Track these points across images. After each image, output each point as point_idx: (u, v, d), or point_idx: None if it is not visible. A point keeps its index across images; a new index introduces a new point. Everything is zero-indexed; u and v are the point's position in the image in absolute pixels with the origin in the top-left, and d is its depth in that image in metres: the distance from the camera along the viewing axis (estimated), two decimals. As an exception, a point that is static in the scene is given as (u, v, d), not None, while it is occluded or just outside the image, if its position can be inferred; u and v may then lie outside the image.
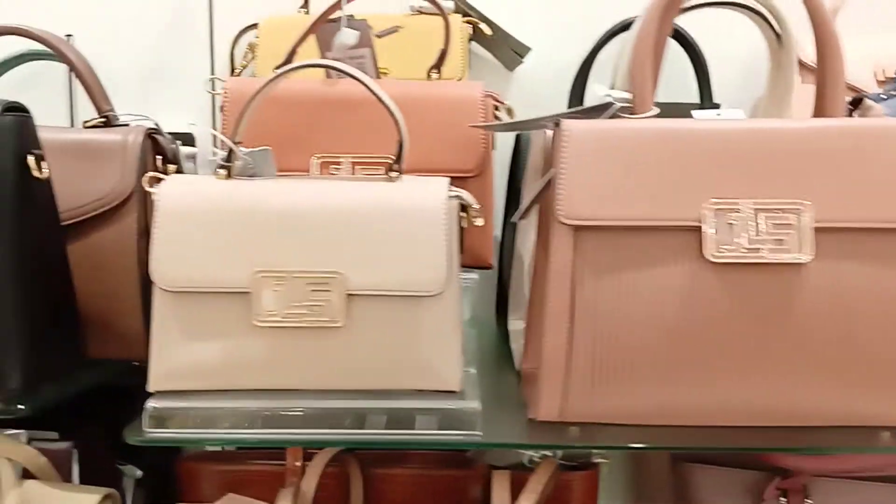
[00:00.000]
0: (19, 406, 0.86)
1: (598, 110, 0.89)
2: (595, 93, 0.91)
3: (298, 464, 1.10)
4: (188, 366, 0.88)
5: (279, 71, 0.88)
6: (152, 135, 1.08)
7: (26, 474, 0.99)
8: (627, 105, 0.89)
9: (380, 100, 0.89)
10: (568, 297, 0.85)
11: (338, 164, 1.03)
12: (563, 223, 0.85)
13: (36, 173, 0.89)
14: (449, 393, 0.89)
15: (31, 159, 0.88)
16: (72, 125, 1.39)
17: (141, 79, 1.38)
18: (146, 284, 1.04)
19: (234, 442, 0.87)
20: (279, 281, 0.86)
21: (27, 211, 0.90)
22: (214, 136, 1.24)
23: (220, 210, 0.87)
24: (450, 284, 0.87)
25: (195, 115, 1.33)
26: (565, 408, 0.87)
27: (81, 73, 1.09)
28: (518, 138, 1.23)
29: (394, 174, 0.89)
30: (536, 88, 1.38)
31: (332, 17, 1.12)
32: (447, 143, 0.99)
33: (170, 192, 0.88)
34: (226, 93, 1.05)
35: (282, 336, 0.87)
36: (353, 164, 1.03)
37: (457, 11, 1.28)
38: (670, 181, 0.85)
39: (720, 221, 0.84)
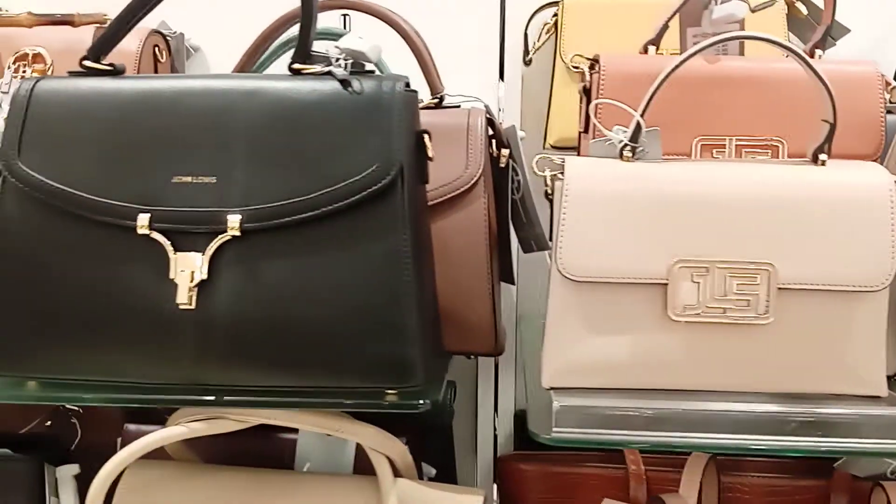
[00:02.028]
0: (420, 402, 0.81)
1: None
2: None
3: (639, 469, 1.03)
4: (591, 362, 0.82)
5: (698, 47, 0.81)
6: (489, 117, 1.02)
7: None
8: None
9: (819, 78, 0.80)
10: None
11: (721, 146, 0.96)
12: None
13: (430, 153, 0.84)
14: (872, 399, 0.81)
15: (426, 138, 0.83)
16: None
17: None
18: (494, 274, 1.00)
19: (646, 444, 0.80)
20: (700, 272, 0.79)
21: (422, 195, 0.85)
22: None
23: (634, 195, 0.81)
24: (890, 279, 0.79)
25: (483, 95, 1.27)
26: None
27: (421, 53, 1.04)
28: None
29: (822, 157, 0.81)
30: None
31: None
32: (843, 124, 0.90)
33: (578, 176, 0.82)
34: (604, 70, 0.98)
35: (700, 332, 0.80)
36: (739, 146, 0.95)
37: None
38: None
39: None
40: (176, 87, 0.84)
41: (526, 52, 1.27)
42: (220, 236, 0.79)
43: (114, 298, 0.81)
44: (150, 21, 1.34)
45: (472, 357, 1.12)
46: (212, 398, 0.83)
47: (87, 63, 0.87)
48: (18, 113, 0.84)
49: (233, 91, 0.83)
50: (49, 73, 1.17)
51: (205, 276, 0.79)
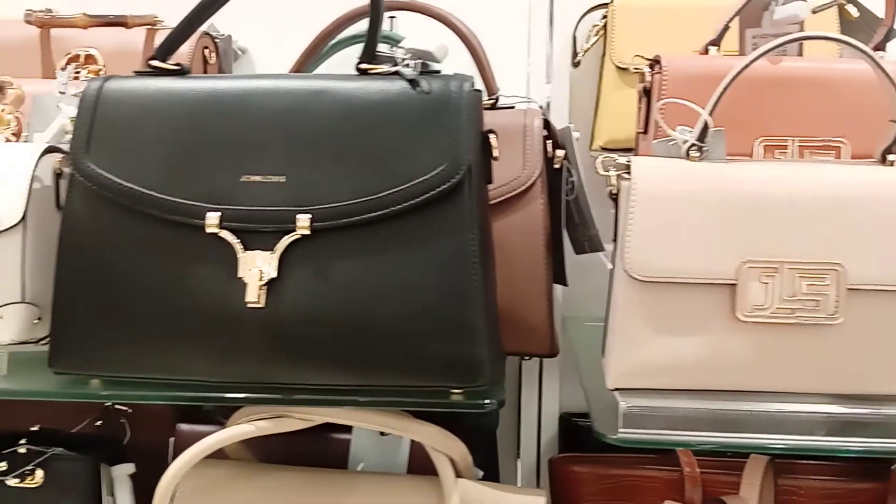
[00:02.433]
0: (486, 402, 0.81)
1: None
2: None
3: (694, 471, 1.02)
4: (657, 363, 0.82)
5: (767, 46, 0.81)
6: (545, 117, 1.03)
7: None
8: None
9: (889, 79, 0.80)
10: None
11: (784, 147, 0.96)
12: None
13: (495, 153, 0.84)
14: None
15: (492, 138, 0.83)
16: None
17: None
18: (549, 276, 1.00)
19: (714, 446, 0.80)
20: (769, 272, 0.79)
21: (487, 195, 0.85)
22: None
23: (702, 195, 0.80)
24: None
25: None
26: None
27: (478, 54, 1.04)
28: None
29: (891, 158, 0.81)
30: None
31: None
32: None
33: (645, 176, 0.82)
34: (665, 70, 0.98)
35: (768, 333, 0.79)
36: (801, 146, 0.95)
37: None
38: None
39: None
40: (244, 87, 0.85)
41: (574, 53, 1.27)
42: (289, 235, 0.80)
43: (182, 297, 0.81)
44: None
45: (527, 358, 1.12)
46: (278, 396, 0.83)
47: (155, 63, 0.87)
48: (87, 112, 0.85)
49: (301, 91, 0.84)
50: (103, 73, 1.17)
51: (274, 275, 0.79)
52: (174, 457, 1.07)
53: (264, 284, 0.79)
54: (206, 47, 1.28)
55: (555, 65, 1.31)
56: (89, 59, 1.22)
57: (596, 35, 1.25)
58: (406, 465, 1.03)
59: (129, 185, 0.83)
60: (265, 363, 0.81)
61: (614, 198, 0.85)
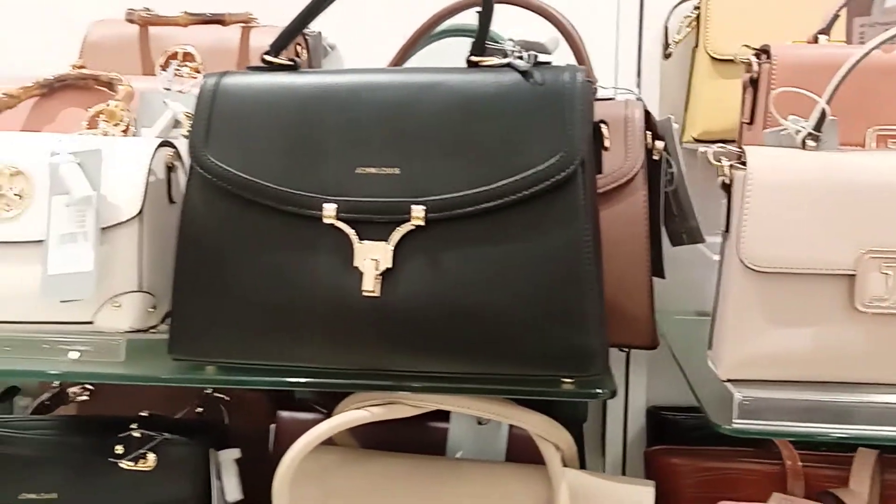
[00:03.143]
0: (599, 391, 0.82)
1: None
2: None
3: (795, 464, 1.02)
4: (772, 354, 0.81)
5: (888, 34, 0.80)
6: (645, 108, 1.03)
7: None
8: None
9: None
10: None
11: (896, 137, 0.95)
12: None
13: (606, 143, 0.84)
14: None
15: (604, 128, 0.84)
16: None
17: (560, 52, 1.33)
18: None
19: (831, 438, 0.80)
20: (890, 263, 0.78)
21: (595, 185, 0.86)
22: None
23: (820, 185, 0.80)
24: None
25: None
26: None
27: (578, 46, 1.05)
28: None
29: None
30: None
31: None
32: None
33: (762, 166, 0.81)
34: (775, 60, 0.98)
35: (888, 324, 0.79)
36: (914, 137, 0.94)
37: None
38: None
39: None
40: (356, 80, 0.86)
41: (666, 45, 1.26)
42: (403, 226, 0.81)
43: (298, 286, 0.83)
44: (288, 19, 1.39)
45: (626, 350, 1.12)
46: (391, 383, 0.85)
47: (268, 58, 0.89)
48: (205, 106, 0.87)
49: (413, 84, 0.85)
50: (202, 70, 1.20)
51: (390, 265, 0.81)
52: (275, 443, 1.11)
53: (380, 274, 0.81)
54: (298, 44, 1.29)
55: (645, 56, 1.30)
56: (187, 56, 1.25)
57: (688, 26, 1.24)
58: (504, 453, 1.04)
59: (247, 176, 0.85)
60: (378, 351, 0.83)
61: (727, 188, 0.85)
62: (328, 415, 1.11)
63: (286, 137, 0.85)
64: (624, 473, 1.38)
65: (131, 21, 1.24)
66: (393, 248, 0.81)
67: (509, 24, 1.16)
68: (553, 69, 0.84)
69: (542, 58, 0.85)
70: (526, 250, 0.80)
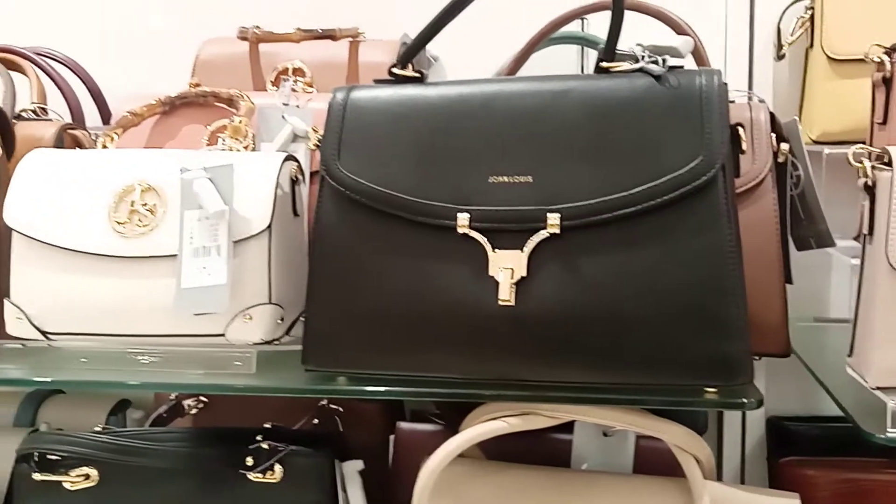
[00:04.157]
0: (745, 400, 0.80)
1: None
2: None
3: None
4: (927, 359, 0.78)
5: None
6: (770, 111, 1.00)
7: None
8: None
9: None
10: None
11: None
12: None
13: (744, 146, 0.82)
14: None
15: (741, 131, 0.82)
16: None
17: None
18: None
19: None
20: None
21: (734, 188, 0.84)
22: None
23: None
24: None
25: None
26: None
27: (699, 50, 1.03)
28: None
29: None
30: None
31: None
32: None
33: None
34: None
35: None
36: None
37: None
38: None
39: None
40: (485, 90, 0.86)
41: (779, 46, 1.24)
42: (538, 234, 0.80)
43: (431, 296, 0.83)
44: (394, 33, 1.40)
45: (758, 358, 1.09)
46: (528, 393, 0.84)
47: (396, 70, 0.90)
48: (336, 119, 0.88)
49: (544, 92, 0.84)
50: (314, 85, 1.21)
51: (524, 274, 0.80)
52: (395, 455, 1.11)
53: (514, 283, 0.80)
54: (405, 56, 1.30)
55: (756, 58, 1.28)
56: (296, 71, 1.27)
57: (801, 27, 1.21)
58: (631, 466, 1.02)
59: (379, 187, 0.85)
60: (514, 360, 0.82)
61: (870, 189, 0.82)
62: (446, 425, 1.11)
63: (418, 148, 0.86)
64: (743, 484, 1.35)
65: (244, 38, 1.26)
66: (527, 256, 0.80)
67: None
68: (687, 73, 0.82)
69: (672, 61, 0.84)
70: (665, 256, 0.79)
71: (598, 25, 1.31)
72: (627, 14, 1.08)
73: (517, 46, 1.25)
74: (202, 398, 1.28)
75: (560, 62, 1.31)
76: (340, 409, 1.22)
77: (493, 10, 1.33)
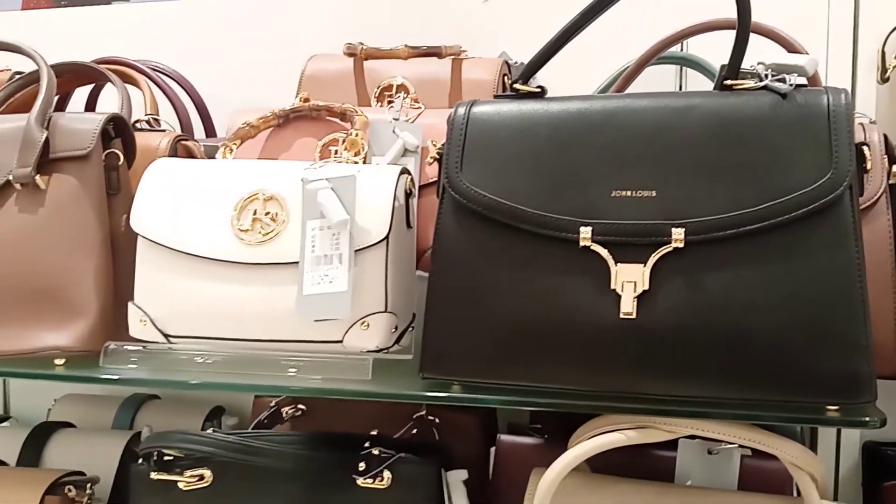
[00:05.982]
0: (868, 419, 0.80)
1: None
2: None
3: None
4: None
5: None
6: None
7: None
8: None
9: None
10: None
11: None
12: None
13: (868, 165, 0.83)
14: None
15: (866, 150, 0.82)
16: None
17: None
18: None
19: None
20: None
21: (859, 206, 0.84)
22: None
23: None
24: None
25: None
26: None
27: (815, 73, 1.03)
28: None
29: None
30: None
31: None
32: None
33: None
34: None
35: None
36: None
37: None
38: None
39: None
40: (608, 106, 0.88)
41: (884, 70, 1.23)
42: (661, 248, 0.82)
43: (552, 308, 0.84)
44: (494, 51, 1.42)
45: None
46: (646, 406, 0.85)
47: (518, 86, 0.92)
48: (458, 133, 0.91)
49: (667, 108, 0.86)
50: (419, 101, 1.24)
51: (646, 287, 0.81)
52: (496, 466, 1.12)
53: (637, 296, 0.81)
54: (505, 74, 1.33)
55: (860, 81, 1.28)
56: (400, 87, 1.30)
57: (909, 50, 1.21)
58: (736, 483, 1.02)
59: (501, 200, 0.87)
60: (633, 373, 0.83)
61: None
62: (547, 438, 1.12)
63: (540, 162, 0.87)
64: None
65: (352, 55, 1.29)
66: (650, 270, 0.82)
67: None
68: (812, 91, 0.83)
69: (798, 80, 0.84)
70: (792, 273, 0.79)
71: (698, 45, 1.33)
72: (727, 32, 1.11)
73: (611, 65, 1.27)
74: (300, 405, 1.32)
75: (658, 81, 1.33)
76: (437, 420, 1.23)
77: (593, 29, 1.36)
